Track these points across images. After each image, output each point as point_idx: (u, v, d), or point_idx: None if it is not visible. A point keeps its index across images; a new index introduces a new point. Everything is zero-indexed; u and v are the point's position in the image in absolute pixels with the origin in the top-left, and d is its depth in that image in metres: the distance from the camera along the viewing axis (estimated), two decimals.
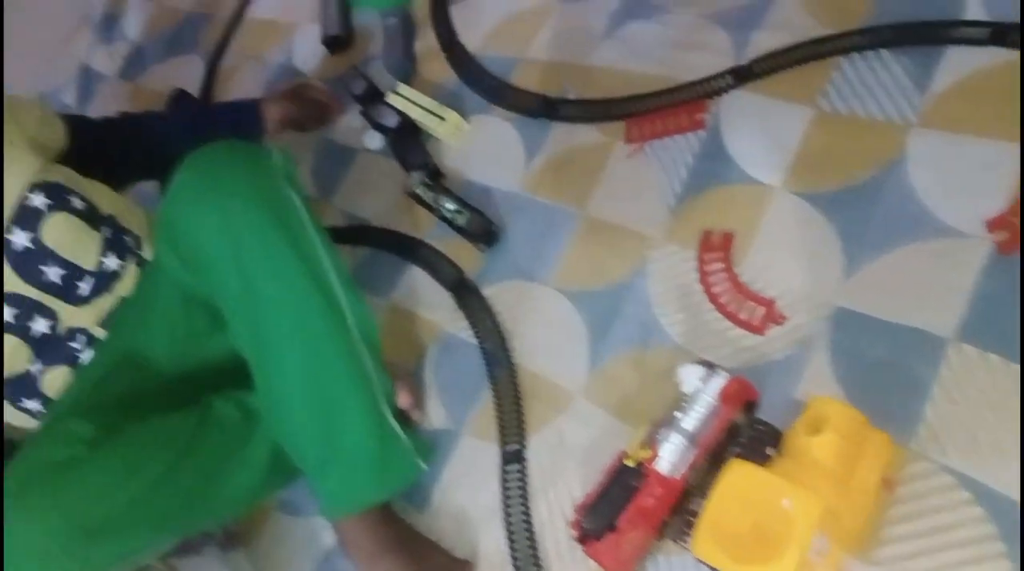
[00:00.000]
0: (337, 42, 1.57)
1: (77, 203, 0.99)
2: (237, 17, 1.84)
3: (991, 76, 0.92)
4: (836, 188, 0.95)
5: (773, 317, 0.92)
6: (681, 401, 0.86)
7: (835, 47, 1.02)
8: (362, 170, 1.42)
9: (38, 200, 0.95)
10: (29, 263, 0.95)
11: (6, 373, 0.99)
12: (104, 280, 1.01)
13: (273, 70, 1.69)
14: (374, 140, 1.42)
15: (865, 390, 0.84)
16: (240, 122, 1.34)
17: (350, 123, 1.47)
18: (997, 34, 0.93)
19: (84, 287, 1.00)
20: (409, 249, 1.27)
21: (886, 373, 0.84)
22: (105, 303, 1.02)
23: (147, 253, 1.07)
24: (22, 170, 0.95)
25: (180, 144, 0.99)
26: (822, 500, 0.71)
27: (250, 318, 0.92)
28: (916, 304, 0.85)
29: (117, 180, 1.13)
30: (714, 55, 1.13)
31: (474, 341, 1.13)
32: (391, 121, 1.36)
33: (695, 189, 1.05)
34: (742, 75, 1.08)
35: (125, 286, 1.04)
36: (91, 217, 1.00)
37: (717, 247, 1.00)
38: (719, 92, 1.09)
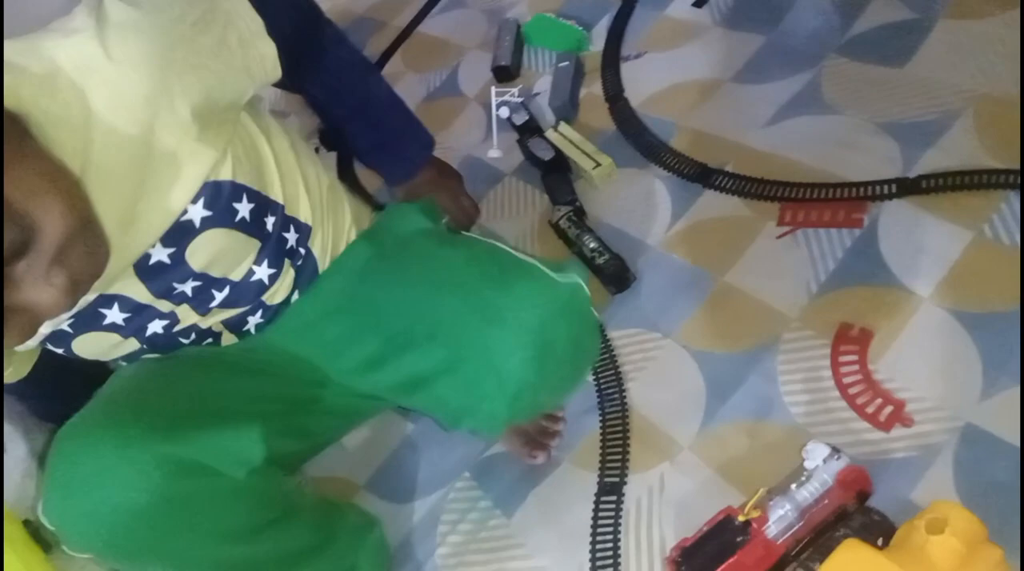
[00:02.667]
0: (505, 72, 1.65)
1: (243, 209, 0.82)
2: (409, 29, 1.94)
3: None
4: (985, 311, 0.98)
5: (901, 418, 0.95)
6: (800, 474, 0.89)
7: (1008, 182, 1.05)
8: (506, 192, 1.48)
9: (195, 212, 0.78)
10: (160, 277, 0.80)
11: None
12: (245, 292, 0.88)
13: (433, 86, 1.77)
14: (496, 151, 1.52)
15: (982, 506, 0.85)
16: (399, 154, 1.22)
17: (492, 150, 1.54)
18: None
19: (219, 297, 0.86)
20: None
21: (1007, 495, 0.85)
22: (239, 311, 0.90)
23: (318, 243, 0.92)
24: (192, 175, 0.76)
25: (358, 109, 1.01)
26: None
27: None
28: None
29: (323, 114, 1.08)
30: (879, 161, 1.17)
31: (589, 377, 1.16)
32: (546, 154, 1.43)
33: (840, 282, 1.09)
34: (908, 187, 1.12)
35: (272, 295, 0.90)
36: (255, 221, 0.83)
37: (854, 340, 1.02)
38: (881, 198, 1.13)
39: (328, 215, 0.95)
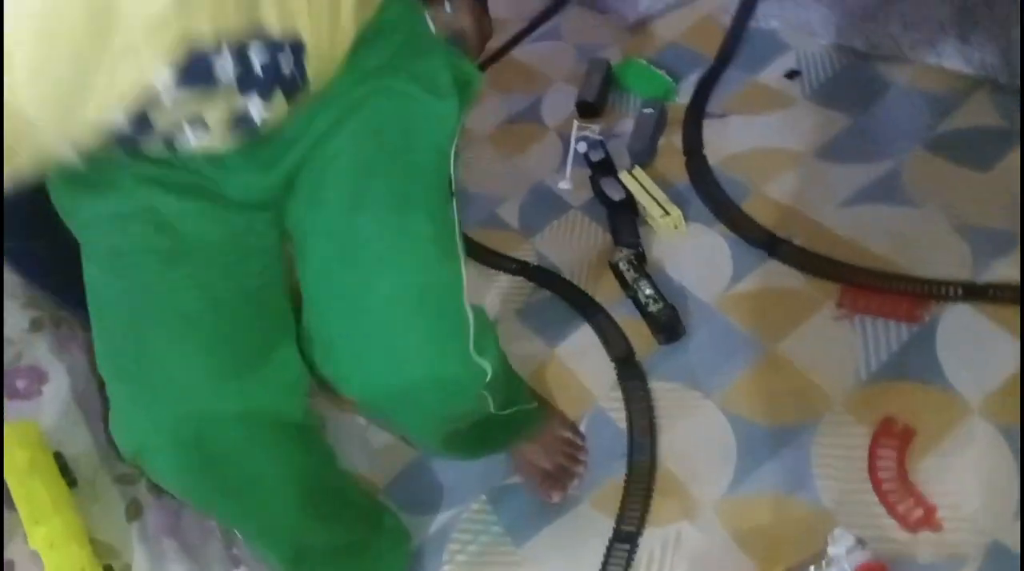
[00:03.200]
0: (589, 108, 1.67)
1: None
2: (501, 52, 1.97)
3: None
4: None
5: (931, 523, 0.94)
6: (821, 558, 0.89)
7: None
8: (569, 224, 1.50)
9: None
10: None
11: None
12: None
13: (515, 110, 1.80)
14: (567, 183, 1.55)
15: None
16: None
17: (564, 181, 1.56)
18: None
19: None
20: (590, 310, 1.33)
21: None
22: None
23: (313, 64, 0.70)
24: None
25: None
26: None
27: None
28: None
29: None
30: (949, 262, 1.17)
31: (622, 422, 1.17)
32: (616, 195, 1.44)
33: (890, 375, 1.08)
34: (975, 292, 1.11)
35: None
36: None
37: (896, 436, 1.02)
38: (946, 299, 1.12)
39: None
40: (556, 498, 1.12)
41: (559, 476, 1.14)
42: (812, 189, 1.35)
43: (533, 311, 1.38)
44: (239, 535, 0.96)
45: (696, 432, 1.13)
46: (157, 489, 0.98)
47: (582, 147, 1.56)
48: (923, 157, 1.32)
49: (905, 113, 1.40)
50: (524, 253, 1.48)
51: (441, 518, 1.17)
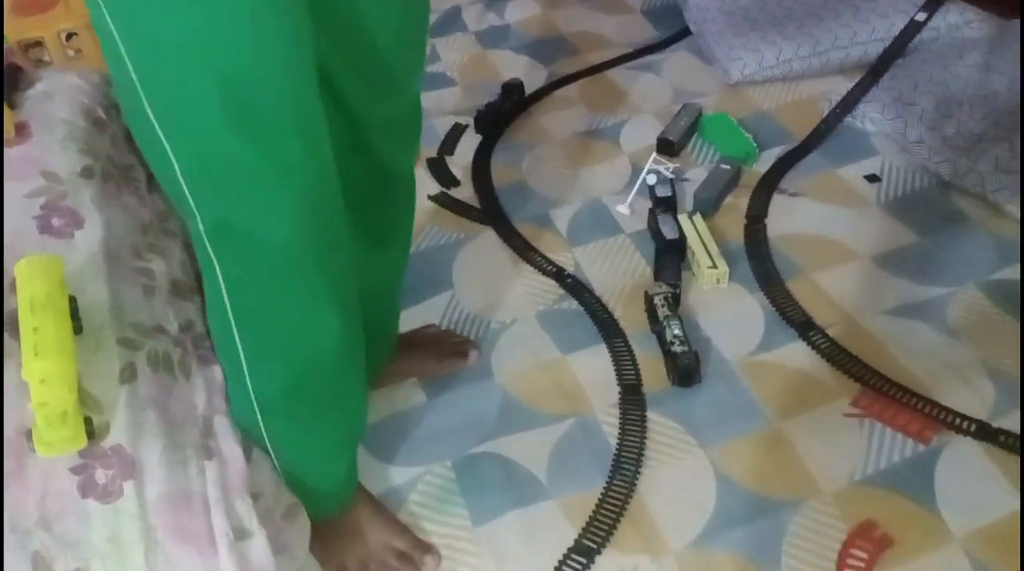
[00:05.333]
0: (668, 146, 1.68)
1: None
2: (600, 67, 1.99)
3: None
4: None
5: None
6: None
7: None
8: (616, 248, 1.50)
9: None
10: None
11: None
12: None
13: (597, 126, 1.81)
14: (626, 209, 1.56)
15: None
16: None
17: (623, 206, 1.57)
18: None
19: None
20: (611, 333, 1.34)
21: None
22: None
23: None
24: None
25: None
26: None
27: None
28: None
29: None
30: (971, 397, 1.18)
31: (612, 439, 1.17)
32: (671, 233, 1.46)
33: (884, 483, 1.09)
34: (986, 433, 1.13)
35: None
36: None
37: (872, 541, 1.02)
38: (958, 430, 1.13)
39: None
40: (473, 356, 1.28)
41: (456, 348, 1.28)
42: (860, 290, 1.36)
43: (555, 317, 1.38)
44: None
45: (681, 476, 1.13)
46: (156, 363, 0.98)
47: (651, 179, 1.57)
48: (975, 296, 1.33)
49: (971, 249, 1.41)
50: (563, 260, 1.49)
51: (404, 473, 1.17)
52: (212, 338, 0.93)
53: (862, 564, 1.00)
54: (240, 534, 0.88)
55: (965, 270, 1.37)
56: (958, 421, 1.14)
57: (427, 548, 1.06)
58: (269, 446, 0.93)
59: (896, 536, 1.03)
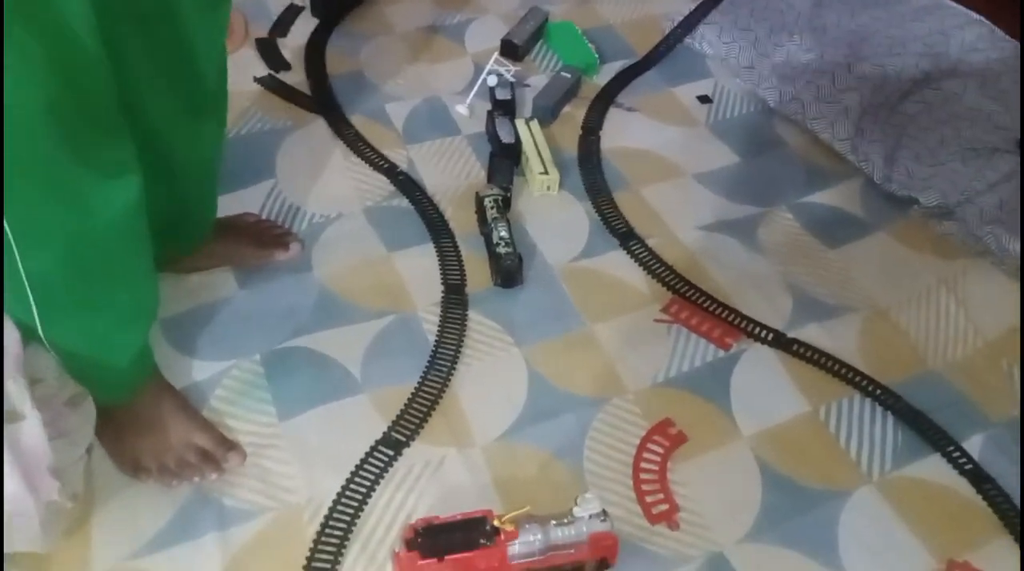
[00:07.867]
0: (511, 49, 1.65)
1: None
2: None
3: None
4: (784, 474, 1.06)
5: (669, 520, 1.00)
6: (565, 516, 0.92)
7: (863, 388, 1.15)
8: (451, 148, 1.47)
9: None
10: None
11: None
12: None
13: (441, 23, 1.75)
14: (464, 109, 1.54)
15: None
16: None
17: (462, 106, 1.54)
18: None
19: None
20: (439, 232, 1.31)
21: None
22: None
23: None
24: None
25: None
26: None
27: None
28: None
29: None
30: (771, 309, 1.24)
31: (432, 336, 1.17)
32: (507, 137, 1.44)
33: (684, 385, 1.14)
34: (781, 342, 1.20)
35: None
36: None
37: (668, 437, 1.08)
38: (755, 338, 1.20)
39: None
40: (295, 248, 1.25)
41: (275, 239, 1.24)
42: (681, 205, 1.41)
43: (383, 213, 1.35)
44: None
45: (494, 373, 1.14)
46: None
47: (492, 81, 1.54)
48: (784, 216, 1.40)
49: (785, 172, 1.48)
50: (396, 157, 1.44)
51: (207, 368, 1.12)
52: None
53: (657, 457, 1.05)
54: (11, 416, 0.83)
55: (778, 192, 1.44)
56: (756, 329, 1.21)
57: (231, 445, 1.02)
58: (43, 330, 0.85)
59: (690, 433, 1.09)
